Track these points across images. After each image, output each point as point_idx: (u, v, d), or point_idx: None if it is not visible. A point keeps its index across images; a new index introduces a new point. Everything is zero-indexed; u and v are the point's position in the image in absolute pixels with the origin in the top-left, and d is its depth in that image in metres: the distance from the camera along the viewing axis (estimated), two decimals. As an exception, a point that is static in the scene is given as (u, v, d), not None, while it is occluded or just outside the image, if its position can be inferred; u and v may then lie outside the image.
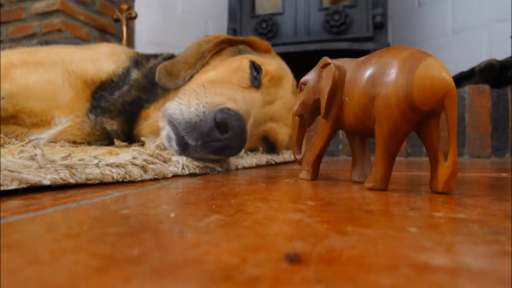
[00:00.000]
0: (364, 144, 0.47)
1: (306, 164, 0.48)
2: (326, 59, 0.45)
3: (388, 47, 0.40)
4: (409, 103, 0.35)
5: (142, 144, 0.66)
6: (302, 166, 0.50)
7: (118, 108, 0.79)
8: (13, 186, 0.30)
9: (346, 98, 0.42)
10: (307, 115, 0.50)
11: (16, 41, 1.77)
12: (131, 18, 2.08)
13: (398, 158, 1.26)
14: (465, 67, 1.64)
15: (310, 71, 0.48)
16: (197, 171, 0.55)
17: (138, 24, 2.28)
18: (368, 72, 0.39)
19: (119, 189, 0.36)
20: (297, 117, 0.50)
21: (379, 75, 0.37)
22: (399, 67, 0.36)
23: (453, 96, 0.34)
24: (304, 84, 0.48)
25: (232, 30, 2.08)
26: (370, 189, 0.38)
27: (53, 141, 0.77)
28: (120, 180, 0.41)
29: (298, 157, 0.51)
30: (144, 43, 2.31)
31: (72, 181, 0.36)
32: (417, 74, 0.34)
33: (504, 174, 0.62)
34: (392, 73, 0.36)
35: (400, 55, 0.36)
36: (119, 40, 2.07)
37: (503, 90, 1.46)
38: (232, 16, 2.12)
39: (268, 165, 0.81)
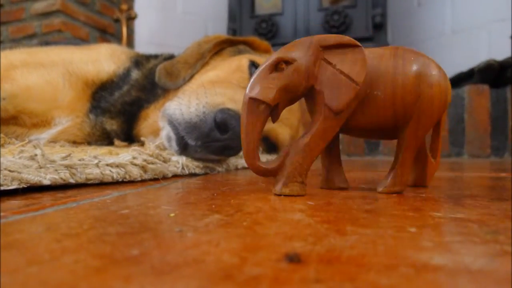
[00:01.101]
0: (336, 148, 0.41)
1: (297, 174, 0.34)
2: (350, 39, 0.36)
3: (397, 46, 0.37)
4: (444, 107, 0.36)
5: (142, 144, 0.66)
6: (282, 177, 0.34)
7: (118, 108, 0.79)
8: (13, 186, 0.30)
9: (376, 92, 0.35)
10: (283, 106, 0.36)
11: (16, 41, 1.77)
12: (131, 19, 2.08)
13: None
14: (465, 67, 1.64)
15: (294, 47, 0.35)
16: (197, 171, 0.55)
17: (138, 25, 2.28)
18: (412, 68, 0.35)
19: (119, 189, 0.36)
20: (261, 107, 0.34)
21: (423, 73, 0.35)
22: (439, 70, 0.36)
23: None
24: (288, 62, 0.34)
25: (232, 30, 2.08)
26: (394, 192, 0.36)
27: (53, 141, 0.77)
28: (120, 180, 0.41)
29: (264, 164, 0.35)
30: (144, 44, 2.31)
31: (72, 181, 0.36)
32: (448, 82, 0.37)
33: (503, 174, 0.62)
34: (435, 75, 0.35)
35: (429, 58, 0.37)
36: (119, 40, 2.07)
37: (502, 90, 1.46)
38: (232, 16, 2.12)
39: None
